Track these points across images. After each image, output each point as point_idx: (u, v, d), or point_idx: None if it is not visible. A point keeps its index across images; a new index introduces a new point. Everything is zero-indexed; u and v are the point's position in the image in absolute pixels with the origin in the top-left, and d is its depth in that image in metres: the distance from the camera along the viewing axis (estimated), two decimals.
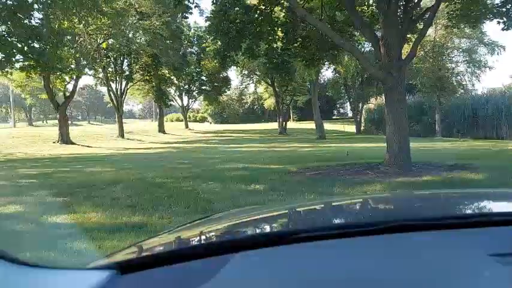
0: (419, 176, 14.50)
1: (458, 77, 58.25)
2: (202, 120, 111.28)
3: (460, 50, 57.17)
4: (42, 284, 1.45)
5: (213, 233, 2.28)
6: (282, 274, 1.53)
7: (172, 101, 75.60)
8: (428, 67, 52.70)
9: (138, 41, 52.14)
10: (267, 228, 2.35)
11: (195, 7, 20.57)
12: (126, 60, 58.17)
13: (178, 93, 77.13)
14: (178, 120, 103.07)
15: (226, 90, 79.50)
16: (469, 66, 57.72)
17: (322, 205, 3.09)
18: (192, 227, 2.52)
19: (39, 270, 1.49)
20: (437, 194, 3.40)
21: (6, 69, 31.20)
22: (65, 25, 35.43)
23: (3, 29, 29.71)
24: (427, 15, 17.51)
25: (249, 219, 2.54)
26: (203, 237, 2.20)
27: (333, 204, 3.12)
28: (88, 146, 44.33)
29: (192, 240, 2.23)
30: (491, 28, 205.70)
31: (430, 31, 46.93)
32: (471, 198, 2.77)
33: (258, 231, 2.27)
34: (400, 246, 1.68)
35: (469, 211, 2.34)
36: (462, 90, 58.99)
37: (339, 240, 1.70)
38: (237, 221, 2.49)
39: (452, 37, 53.76)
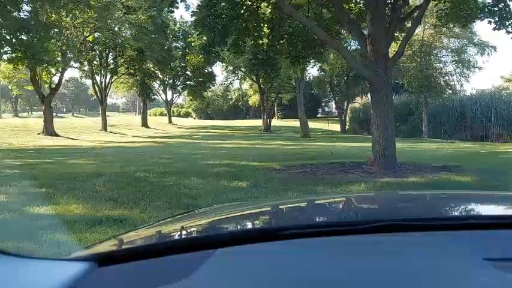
0: (405, 176, 14.48)
1: (446, 77, 58.42)
2: (186, 115, 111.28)
3: (449, 49, 57.41)
4: (23, 272, 1.45)
5: (194, 228, 2.26)
6: (263, 272, 1.50)
7: (156, 95, 75.56)
8: (416, 66, 52.84)
9: (123, 34, 52.06)
10: (250, 225, 2.32)
11: (181, 1, 20.47)
12: (111, 54, 58.05)
13: (162, 88, 76.97)
14: (161, 114, 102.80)
15: (210, 85, 79.37)
16: (457, 66, 57.79)
17: (307, 202, 3.06)
18: (173, 222, 2.50)
19: (19, 259, 1.50)
20: (426, 195, 3.39)
21: None
22: (53, 18, 35.50)
23: None
24: (415, 14, 17.51)
25: (231, 215, 2.53)
26: (183, 232, 2.20)
27: (319, 202, 3.11)
28: (71, 138, 44.33)
29: (172, 235, 2.21)
30: (482, 28, 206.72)
31: (419, 30, 47.10)
32: (464, 199, 2.75)
33: (240, 227, 2.23)
34: (388, 245, 1.65)
35: (461, 213, 2.32)
36: (450, 91, 59.03)
37: (325, 239, 1.68)
38: (219, 217, 2.49)
39: (440, 36, 54.00)
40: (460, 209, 2.46)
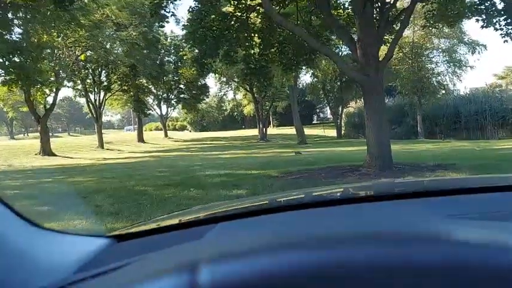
0: (401, 176, 14.63)
1: (439, 78, 58.60)
2: (182, 128, 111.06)
3: (440, 50, 57.61)
4: (54, 243, 1.63)
5: (199, 212, 2.55)
6: (258, 238, 1.66)
7: (151, 110, 75.46)
8: (408, 68, 53.00)
9: (115, 51, 52.04)
10: (249, 205, 2.52)
11: (171, 16, 20.55)
12: (104, 71, 57.96)
13: (156, 102, 76.86)
14: (157, 129, 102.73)
15: (204, 97, 79.27)
16: (449, 66, 58.04)
17: (300, 194, 3.28)
18: (179, 214, 2.70)
19: (49, 232, 1.69)
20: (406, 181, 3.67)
21: None
22: (44, 39, 35.58)
23: None
24: (403, 16, 17.67)
25: (231, 203, 2.86)
26: (189, 215, 2.46)
27: (311, 190, 3.39)
28: (69, 157, 44.24)
29: (181, 217, 2.38)
30: (471, 27, 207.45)
31: (408, 32, 47.25)
32: (439, 180, 3.01)
33: (239, 207, 2.50)
34: (370, 210, 1.91)
35: (434, 186, 2.58)
36: (443, 91, 59.07)
37: (307, 210, 1.95)
38: (221, 206, 2.69)
39: (431, 37, 54.10)
40: (435, 186, 2.68)
